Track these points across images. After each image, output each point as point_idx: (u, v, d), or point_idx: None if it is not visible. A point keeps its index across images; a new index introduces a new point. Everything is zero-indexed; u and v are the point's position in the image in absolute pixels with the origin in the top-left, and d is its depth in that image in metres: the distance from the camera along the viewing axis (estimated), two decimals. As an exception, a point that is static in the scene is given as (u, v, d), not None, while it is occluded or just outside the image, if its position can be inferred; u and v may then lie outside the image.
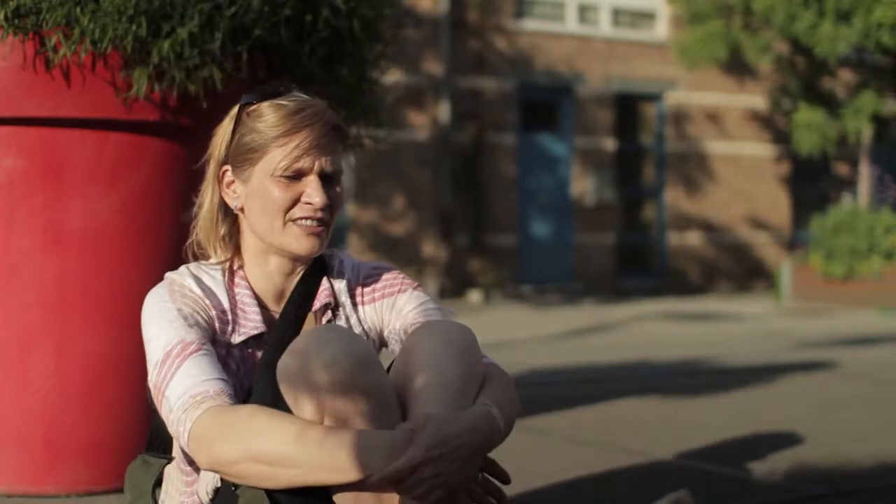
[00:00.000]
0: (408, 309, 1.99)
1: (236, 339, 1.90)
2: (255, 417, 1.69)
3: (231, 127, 1.92)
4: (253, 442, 1.67)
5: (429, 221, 14.62)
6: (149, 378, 1.84)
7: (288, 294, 1.95)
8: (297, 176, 1.88)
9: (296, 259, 1.94)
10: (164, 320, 1.84)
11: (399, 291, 2.01)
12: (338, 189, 1.92)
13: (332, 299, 1.98)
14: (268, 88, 1.92)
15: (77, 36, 2.63)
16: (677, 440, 3.73)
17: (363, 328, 2.01)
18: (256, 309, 1.92)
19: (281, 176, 1.87)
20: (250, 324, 1.91)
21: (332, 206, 1.90)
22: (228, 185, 1.93)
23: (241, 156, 1.90)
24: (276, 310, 1.95)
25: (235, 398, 1.79)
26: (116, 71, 2.70)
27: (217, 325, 1.89)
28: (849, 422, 4.23)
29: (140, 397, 2.86)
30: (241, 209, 1.93)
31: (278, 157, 1.86)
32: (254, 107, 1.90)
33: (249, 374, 1.90)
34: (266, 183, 1.88)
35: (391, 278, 2.03)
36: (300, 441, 1.66)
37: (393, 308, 2.00)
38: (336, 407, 1.69)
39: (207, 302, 1.88)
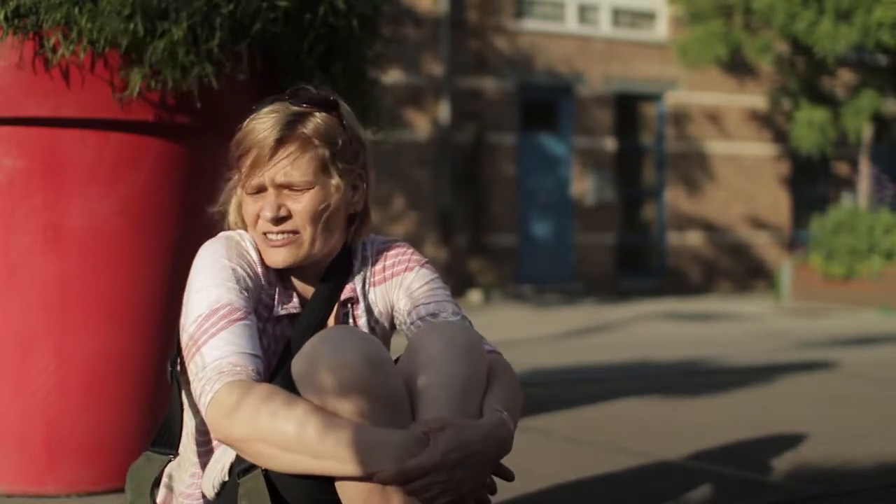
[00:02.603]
0: (414, 287, 2.00)
1: (279, 311, 1.92)
2: (271, 398, 1.70)
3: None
4: (263, 422, 1.68)
5: (429, 221, 14.62)
6: (183, 325, 1.84)
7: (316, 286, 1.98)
8: (259, 191, 1.91)
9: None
10: (217, 276, 1.85)
11: (406, 269, 2.02)
12: (309, 195, 1.90)
13: (354, 294, 2.00)
14: (267, 100, 1.94)
15: (75, 36, 2.63)
16: (677, 440, 3.73)
17: (375, 314, 2.02)
18: (294, 291, 1.95)
19: (248, 191, 1.91)
20: (291, 302, 1.94)
21: (291, 217, 1.89)
22: None
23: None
24: (307, 297, 1.98)
25: (263, 378, 1.80)
26: (115, 71, 2.70)
27: (262, 296, 1.91)
28: (849, 422, 4.23)
29: (140, 397, 2.86)
30: None
31: (243, 172, 1.91)
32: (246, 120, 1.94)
33: (277, 355, 1.92)
34: (244, 197, 1.94)
35: (400, 254, 2.04)
36: (303, 425, 1.67)
37: (401, 286, 2.01)
38: (348, 409, 1.70)
39: (259, 270, 1.91)
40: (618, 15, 16.40)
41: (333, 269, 1.98)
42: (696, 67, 15.19)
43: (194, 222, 2.80)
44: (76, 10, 2.62)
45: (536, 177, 15.56)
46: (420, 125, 14.61)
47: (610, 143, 16.08)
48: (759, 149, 17.47)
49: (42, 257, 2.77)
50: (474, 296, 14.44)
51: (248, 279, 1.87)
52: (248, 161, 1.89)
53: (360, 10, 3.03)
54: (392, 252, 2.04)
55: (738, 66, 16.38)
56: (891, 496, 3.00)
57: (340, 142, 1.93)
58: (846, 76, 15.77)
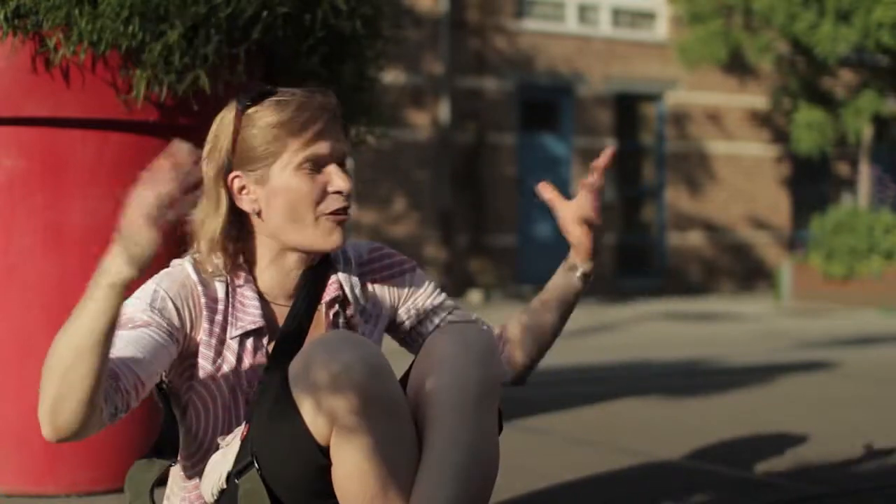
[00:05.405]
0: (417, 292, 2.02)
1: (233, 332, 1.88)
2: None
3: (231, 132, 1.88)
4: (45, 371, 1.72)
5: (429, 222, 14.62)
6: None
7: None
8: (318, 166, 1.85)
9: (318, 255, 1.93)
10: (136, 297, 1.83)
11: (407, 271, 2.03)
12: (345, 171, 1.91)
13: (340, 292, 1.96)
14: (258, 89, 1.89)
15: (76, 37, 2.63)
16: (677, 440, 3.73)
17: (367, 314, 1.99)
18: (257, 304, 1.89)
19: (303, 167, 1.84)
20: (248, 318, 1.88)
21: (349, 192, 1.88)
22: (240, 191, 1.88)
23: (255, 158, 1.85)
24: (284, 304, 1.93)
25: (136, 392, 1.74)
26: (116, 71, 2.70)
27: (206, 314, 1.86)
28: (849, 422, 4.23)
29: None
30: (259, 213, 1.87)
31: (296, 148, 1.83)
32: (255, 107, 1.86)
33: (253, 369, 1.88)
34: (288, 179, 1.84)
35: (393, 257, 2.04)
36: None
37: (400, 289, 2.02)
38: (348, 416, 1.68)
39: (200, 289, 1.86)
40: (618, 15, 16.40)
41: (315, 269, 1.93)
42: (697, 68, 15.19)
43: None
44: (76, 11, 2.62)
45: (536, 177, 15.49)
46: (420, 125, 14.61)
47: (610, 143, 16.08)
48: (760, 149, 17.47)
49: (42, 257, 2.76)
50: (474, 296, 14.43)
51: (171, 300, 1.83)
52: (309, 132, 1.83)
53: (362, 11, 3.02)
54: (385, 255, 2.03)
55: (738, 66, 16.38)
56: (891, 496, 3.00)
57: None
58: (846, 76, 15.78)
